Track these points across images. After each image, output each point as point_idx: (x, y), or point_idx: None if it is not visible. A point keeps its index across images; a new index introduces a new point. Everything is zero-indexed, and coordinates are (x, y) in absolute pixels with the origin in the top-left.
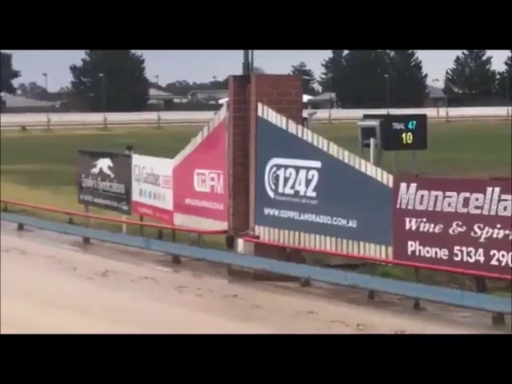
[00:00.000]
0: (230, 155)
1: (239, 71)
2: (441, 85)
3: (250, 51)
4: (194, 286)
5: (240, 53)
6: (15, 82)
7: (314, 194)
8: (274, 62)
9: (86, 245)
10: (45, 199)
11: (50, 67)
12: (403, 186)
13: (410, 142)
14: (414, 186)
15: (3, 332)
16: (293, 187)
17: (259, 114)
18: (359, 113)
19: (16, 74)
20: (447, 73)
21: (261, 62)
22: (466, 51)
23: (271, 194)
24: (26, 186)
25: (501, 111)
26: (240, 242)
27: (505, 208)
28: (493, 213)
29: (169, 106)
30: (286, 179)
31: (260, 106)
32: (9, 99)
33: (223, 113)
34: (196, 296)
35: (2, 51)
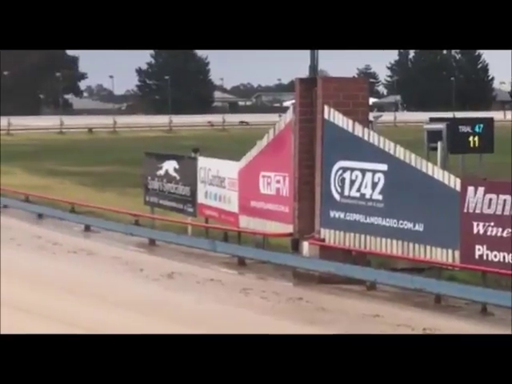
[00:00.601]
0: (295, 158)
1: (304, 74)
2: (508, 88)
3: (315, 53)
4: (259, 288)
5: (305, 55)
6: (82, 85)
7: (380, 197)
8: (339, 64)
9: (151, 246)
10: (111, 201)
11: (116, 70)
12: (471, 189)
13: (476, 145)
14: (481, 189)
15: (71, 332)
16: (359, 190)
17: (325, 116)
18: (425, 116)
19: (83, 77)
20: None
21: (326, 64)
22: None
23: (337, 196)
24: (93, 188)
25: None
26: (305, 245)
27: None
28: None
29: (233, 108)
30: (352, 182)
31: (326, 108)
32: (75, 101)
33: (289, 115)
34: (261, 298)
35: (70, 53)
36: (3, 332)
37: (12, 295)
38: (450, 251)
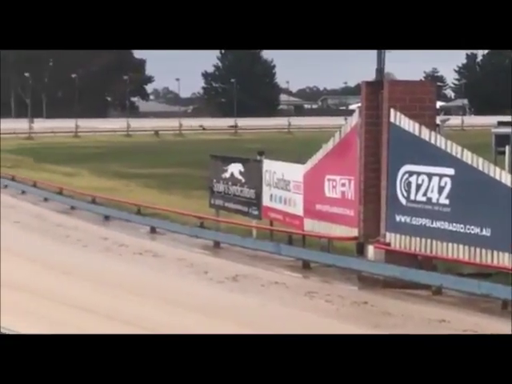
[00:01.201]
0: (361, 161)
1: (371, 77)
2: None
3: (382, 56)
4: (323, 292)
5: (371, 58)
6: (149, 88)
7: (446, 202)
8: (406, 67)
9: (216, 249)
10: (176, 203)
11: (182, 73)
12: None
13: None
14: None
15: (133, 332)
16: (425, 194)
17: (391, 119)
18: (493, 119)
19: (150, 80)
20: None
21: (392, 67)
22: None
23: (403, 200)
24: (158, 190)
25: None
26: (370, 249)
27: None
28: None
29: (299, 111)
30: (419, 186)
31: (392, 111)
32: (142, 104)
33: (355, 118)
34: (326, 302)
35: (137, 56)
36: (72, 332)
37: (78, 296)
38: None
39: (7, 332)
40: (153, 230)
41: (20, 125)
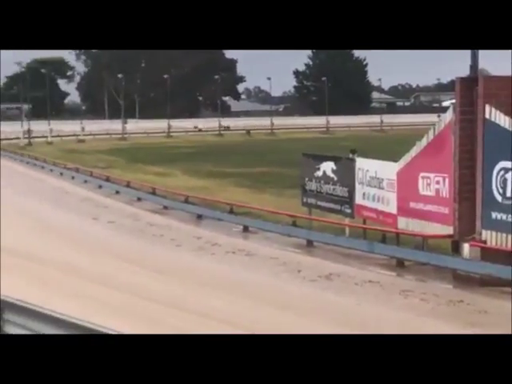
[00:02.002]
0: (455, 158)
1: (464, 73)
2: None
3: (476, 52)
4: (418, 290)
5: (465, 54)
6: (240, 87)
7: None
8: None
9: (309, 247)
10: (269, 202)
11: (273, 72)
12: None
13: None
14: None
15: (232, 332)
16: None
17: (487, 116)
18: None
19: (241, 79)
20: None
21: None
22: None
23: (499, 197)
24: (251, 189)
25: None
26: (466, 247)
27: None
28: None
29: (391, 109)
30: None
31: (487, 108)
32: (233, 104)
33: (449, 115)
34: (421, 301)
35: (228, 56)
36: (168, 332)
37: (173, 296)
38: None
39: (112, 332)
40: (245, 229)
41: (113, 126)
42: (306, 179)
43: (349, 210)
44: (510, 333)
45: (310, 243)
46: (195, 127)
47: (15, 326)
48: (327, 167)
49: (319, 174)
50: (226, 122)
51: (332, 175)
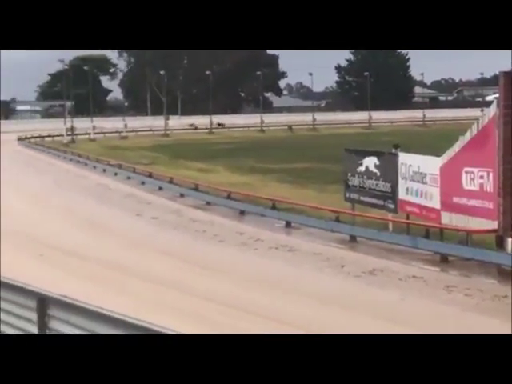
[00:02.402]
0: (500, 153)
1: (508, 67)
2: None
3: None
4: (462, 285)
5: (508, 50)
6: (282, 83)
7: None
8: None
9: (352, 243)
10: (311, 197)
11: (315, 67)
12: None
13: None
14: None
15: (277, 329)
16: None
17: None
18: None
19: (283, 75)
20: None
21: None
22: None
23: None
24: (293, 185)
25: None
26: (510, 242)
27: None
28: None
29: (434, 103)
30: None
31: None
32: (275, 99)
33: (493, 110)
34: (465, 296)
35: (270, 52)
36: (211, 328)
37: (217, 291)
38: None
39: (156, 328)
40: (288, 225)
41: (156, 122)
42: (349, 174)
43: (392, 205)
44: None
45: (353, 238)
46: (191, 125)
47: (60, 322)
48: (370, 162)
49: (362, 169)
50: (272, 117)
51: (375, 170)
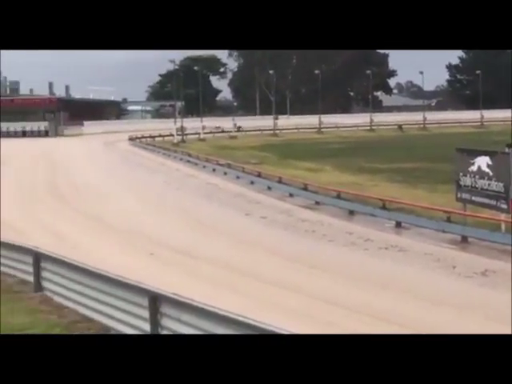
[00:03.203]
0: None
1: None
2: None
3: None
4: None
5: None
6: (392, 82)
7: None
8: None
9: (463, 243)
10: (421, 197)
11: (426, 66)
12: None
13: None
14: None
15: (386, 330)
16: None
17: None
18: None
19: (392, 74)
20: None
21: None
22: None
23: None
24: (403, 185)
25: None
26: None
27: None
28: None
29: None
30: None
31: None
32: (385, 98)
33: None
34: None
35: (380, 51)
36: (328, 332)
37: (327, 290)
38: None
39: (283, 332)
40: (398, 225)
41: (265, 122)
42: (461, 174)
43: (504, 206)
44: None
45: (464, 239)
46: (217, 127)
47: (171, 320)
48: (482, 162)
49: (474, 168)
50: (381, 117)
51: (487, 170)
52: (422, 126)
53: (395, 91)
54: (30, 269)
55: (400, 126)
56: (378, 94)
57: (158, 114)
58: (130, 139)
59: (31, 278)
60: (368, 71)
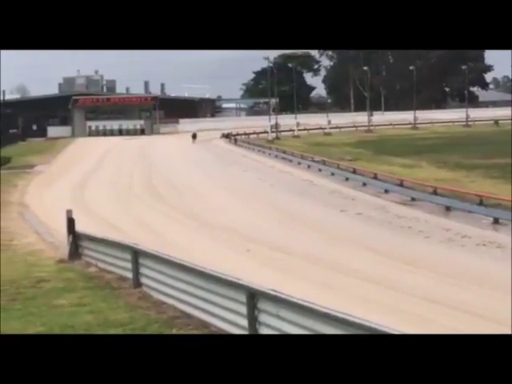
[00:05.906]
0: None
1: None
2: None
3: None
4: None
5: None
6: (488, 77)
7: None
8: None
9: None
10: None
11: None
12: None
13: None
14: None
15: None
16: None
17: None
18: None
19: (489, 69)
20: None
21: None
22: None
23: None
24: (500, 180)
25: None
26: None
27: None
28: None
29: None
30: None
31: None
32: (481, 94)
33: None
34: None
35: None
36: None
37: (421, 287)
38: None
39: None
40: (496, 221)
41: (359, 118)
42: None
43: None
44: None
45: None
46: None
47: (269, 316)
48: None
49: None
50: (477, 112)
51: None
52: None
53: (491, 86)
54: (129, 265)
55: (496, 122)
56: (474, 89)
57: (252, 112)
58: (225, 137)
59: (130, 275)
60: (464, 66)
